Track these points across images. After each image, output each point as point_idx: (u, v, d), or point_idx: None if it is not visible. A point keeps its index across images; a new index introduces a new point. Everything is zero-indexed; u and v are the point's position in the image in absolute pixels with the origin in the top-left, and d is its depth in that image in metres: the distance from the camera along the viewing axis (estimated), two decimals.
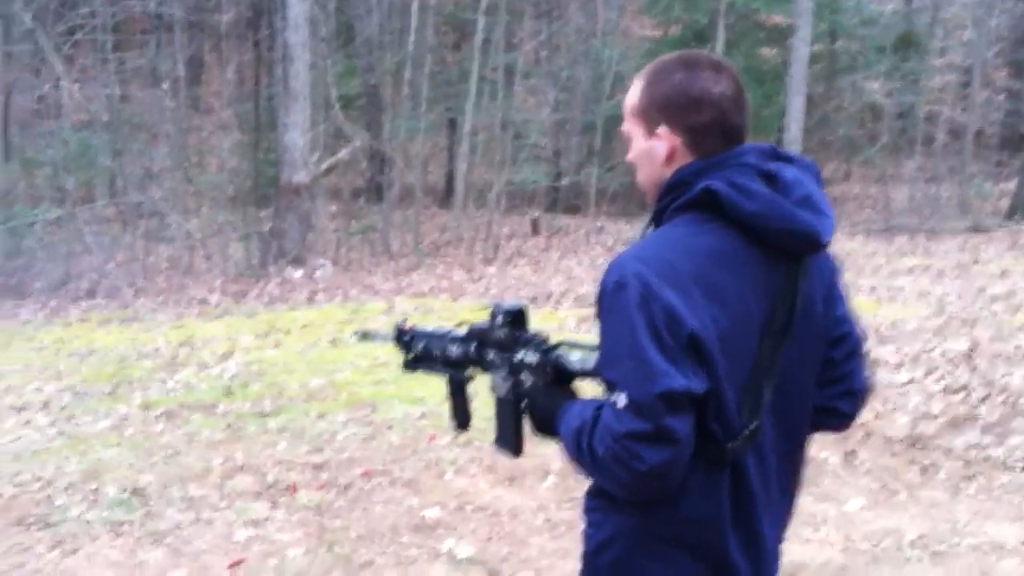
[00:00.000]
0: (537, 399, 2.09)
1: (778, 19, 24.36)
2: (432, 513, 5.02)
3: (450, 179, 24.83)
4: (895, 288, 11.67)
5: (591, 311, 10.79)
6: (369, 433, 6.31)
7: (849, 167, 27.20)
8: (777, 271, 1.88)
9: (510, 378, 2.15)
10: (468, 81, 19.05)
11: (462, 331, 2.33)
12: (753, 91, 22.76)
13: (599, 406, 1.85)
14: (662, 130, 1.94)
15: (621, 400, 1.76)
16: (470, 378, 2.35)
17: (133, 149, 18.06)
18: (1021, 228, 18.17)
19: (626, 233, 18.97)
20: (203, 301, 13.05)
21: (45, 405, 7.22)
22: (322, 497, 5.26)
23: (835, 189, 25.87)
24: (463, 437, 6.12)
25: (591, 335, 2.13)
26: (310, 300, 12.84)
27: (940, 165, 23.14)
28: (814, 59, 23.00)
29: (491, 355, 2.20)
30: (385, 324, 10.25)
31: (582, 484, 5.02)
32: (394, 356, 8.19)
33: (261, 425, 6.54)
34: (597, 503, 2.00)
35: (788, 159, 1.96)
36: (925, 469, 5.55)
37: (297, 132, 15.74)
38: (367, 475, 5.56)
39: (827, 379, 2.05)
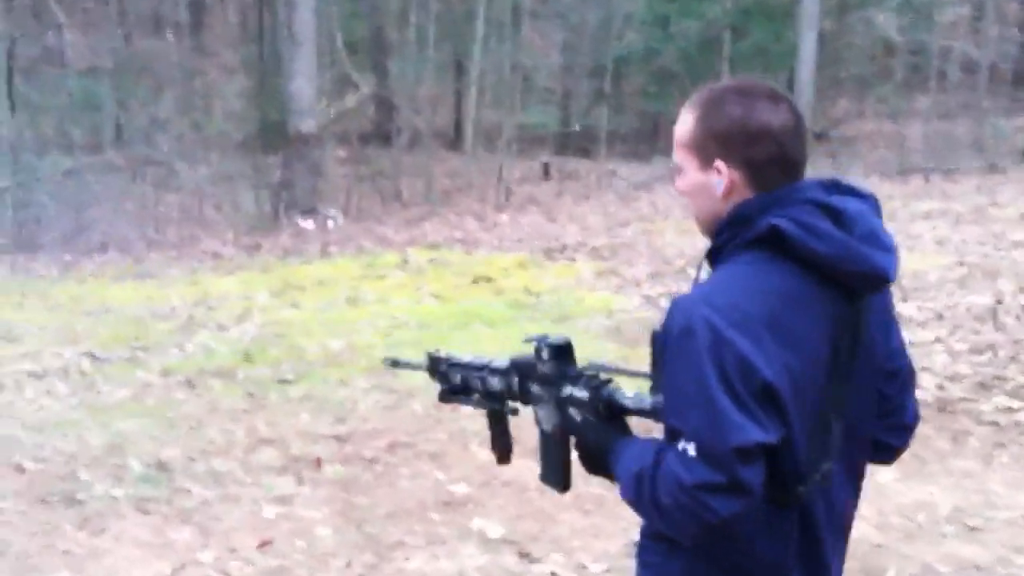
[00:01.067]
0: (588, 436, 2.01)
1: None
2: (459, 488, 4.99)
3: (458, 123, 24.65)
4: (913, 235, 11.55)
5: (609, 264, 10.74)
6: (392, 401, 6.27)
7: (862, 105, 26.88)
8: (840, 307, 1.82)
9: (557, 413, 2.08)
10: (474, 22, 18.83)
11: (503, 362, 2.24)
12: (763, 27, 22.51)
13: (659, 448, 1.79)
14: (719, 164, 1.85)
15: (691, 449, 1.69)
16: (514, 411, 2.26)
17: (138, 96, 17.90)
18: None
19: (638, 176, 18.83)
20: (216, 254, 13.00)
21: (64, 372, 7.18)
22: (347, 471, 5.23)
23: (848, 127, 25.63)
24: None
25: (638, 365, 2.06)
26: (323, 252, 12.77)
27: (953, 102, 22.88)
28: None
29: (535, 389, 2.11)
30: (407, 270, 10.21)
31: None
32: (414, 316, 8.14)
33: (282, 393, 6.50)
34: (656, 546, 1.94)
35: (850, 191, 1.89)
36: (956, 436, 5.50)
37: (303, 80, 15.56)
38: (391, 447, 5.53)
39: (880, 412, 2.00)
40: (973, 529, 4.44)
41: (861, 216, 1.81)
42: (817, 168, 20.13)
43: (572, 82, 22.05)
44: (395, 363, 2.67)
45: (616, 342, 7.67)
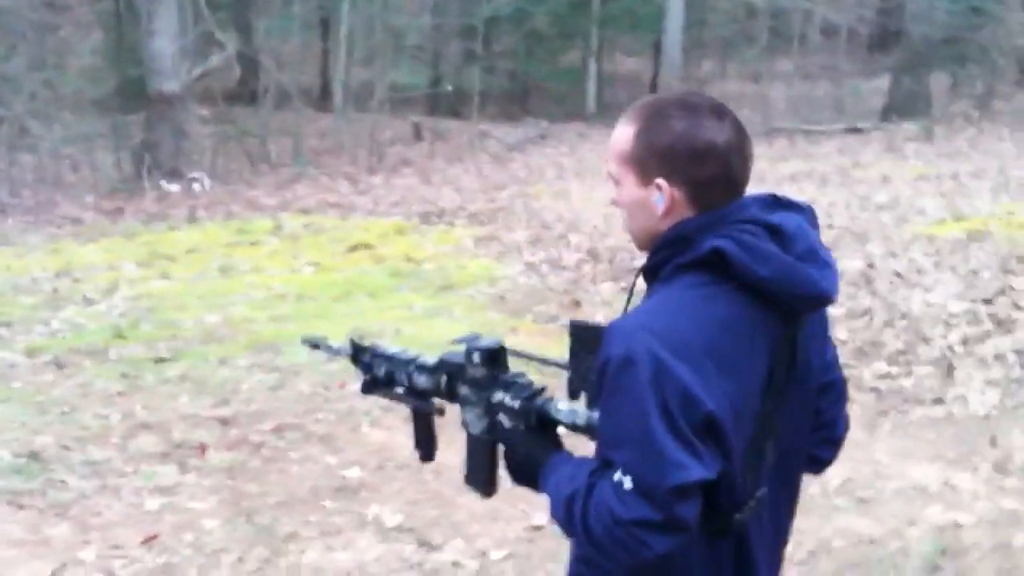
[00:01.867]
0: (518, 446, 1.94)
1: None
2: (352, 473, 4.86)
3: (325, 82, 24.13)
4: None
5: (488, 229, 10.65)
6: (276, 381, 6.07)
7: (725, 66, 27.33)
8: (779, 328, 1.76)
9: (486, 417, 2.00)
10: None
11: (431, 359, 2.15)
12: None
13: (593, 473, 1.71)
14: (661, 182, 1.76)
15: (627, 482, 1.62)
16: (440, 411, 2.17)
17: None
18: (896, 129, 18.52)
19: (510, 137, 18.75)
20: (76, 220, 12.43)
21: None
22: (234, 457, 5.04)
23: (713, 88, 25.99)
24: None
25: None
26: (190, 217, 12.34)
27: (813, 64, 23.42)
28: None
29: (464, 390, 2.03)
30: (281, 237, 9.92)
31: None
32: (292, 287, 7.91)
33: (159, 373, 6.23)
34: (586, 571, 1.90)
35: (789, 206, 1.83)
36: None
37: (165, 39, 14.95)
38: (279, 430, 5.35)
39: (813, 426, 1.97)
40: (864, 501, 4.53)
41: (800, 232, 1.76)
42: None
43: (442, 42, 21.78)
44: (314, 345, 2.55)
45: (501, 311, 7.60)
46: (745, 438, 1.72)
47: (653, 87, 23.70)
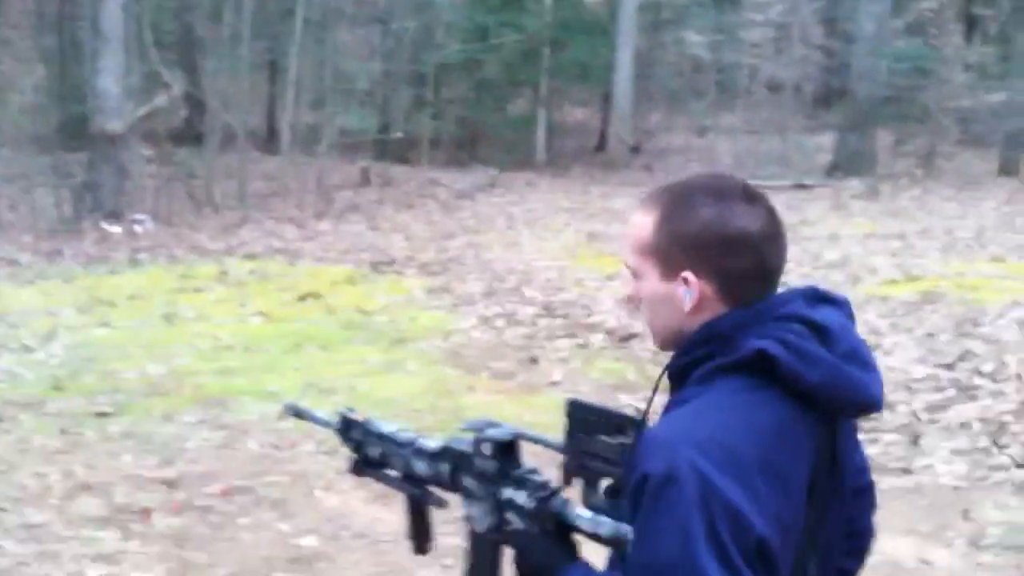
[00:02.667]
0: (530, 551, 1.75)
1: None
2: (308, 542, 4.63)
3: (272, 124, 23.91)
4: None
5: (440, 280, 10.47)
6: (223, 439, 5.82)
7: (672, 119, 27.54)
8: (821, 433, 1.62)
9: (493, 514, 1.80)
10: (289, 21, 18.22)
11: (432, 443, 1.94)
12: (581, 42, 22.78)
13: None
14: (688, 275, 1.60)
15: None
16: (440, 503, 1.97)
17: None
18: (841, 185, 18.69)
19: (459, 184, 18.63)
20: (12, 261, 12.04)
21: None
22: (180, 523, 4.79)
23: (660, 140, 26.21)
24: (328, 444, 5.72)
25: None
26: (132, 260, 12.01)
27: (759, 119, 23.65)
28: (639, 12, 23.06)
29: (469, 482, 1.83)
30: (227, 283, 9.64)
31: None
32: (240, 337, 7.67)
33: (100, 429, 5.95)
34: None
35: (828, 299, 1.68)
36: None
37: (110, 78, 14.67)
38: (227, 493, 5.10)
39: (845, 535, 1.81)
40: None
41: (843, 331, 1.61)
42: (636, 180, 20.47)
43: (392, 88, 21.66)
44: (297, 413, 2.29)
45: (456, 367, 7.42)
46: (789, 556, 1.56)
47: (602, 138, 23.79)
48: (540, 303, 9.23)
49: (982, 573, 4.43)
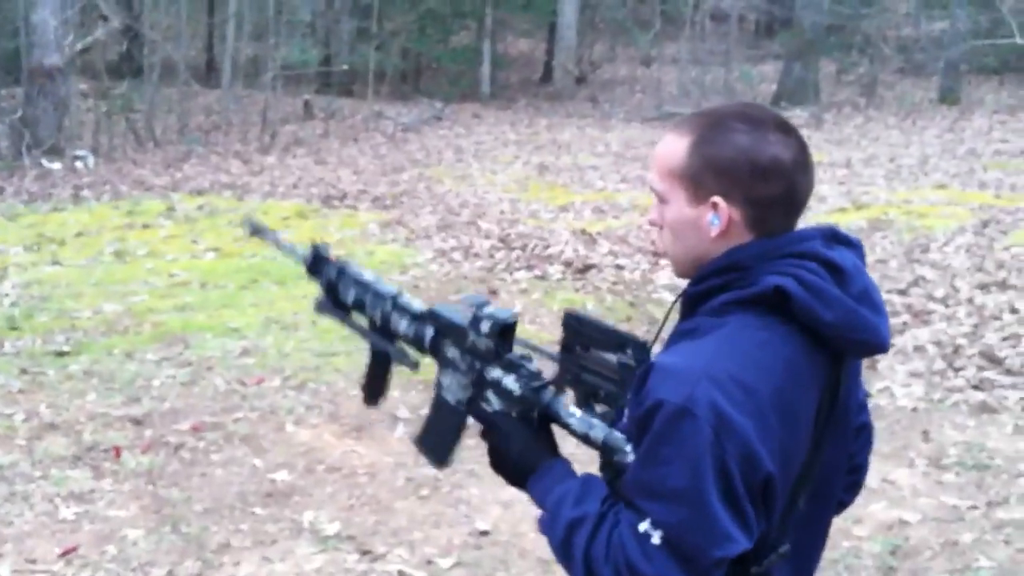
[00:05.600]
0: (509, 436, 1.73)
1: None
2: (281, 476, 4.63)
3: (211, 57, 23.47)
4: None
5: (393, 214, 10.41)
6: (188, 376, 5.77)
7: (616, 50, 27.43)
8: (827, 371, 1.64)
9: (471, 389, 1.79)
10: None
11: (417, 303, 1.90)
12: None
13: (609, 504, 1.57)
14: (717, 200, 1.60)
15: (656, 537, 1.48)
16: (414, 364, 1.92)
17: None
18: (786, 115, 18.75)
19: (405, 117, 18.47)
20: None
21: None
22: (151, 460, 4.76)
23: (605, 71, 26.12)
24: (295, 379, 5.71)
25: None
26: (75, 197, 11.77)
27: (703, 50, 23.62)
28: None
29: (452, 352, 1.81)
30: (175, 219, 9.49)
31: None
32: (195, 273, 7.57)
33: (61, 368, 5.87)
34: None
35: (844, 240, 1.69)
36: None
37: (47, 10, 14.22)
38: (197, 430, 5.08)
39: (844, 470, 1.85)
40: None
41: (857, 272, 1.63)
42: (583, 112, 20.40)
43: (334, 20, 21.30)
44: (256, 229, 2.24)
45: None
46: (786, 488, 1.59)
47: (547, 69, 23.65)
48: (496, 236, 9.21)
49: (943, 491, 4.55)
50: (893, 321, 6.68)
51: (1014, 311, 6.74)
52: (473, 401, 1.78)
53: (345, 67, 19.78)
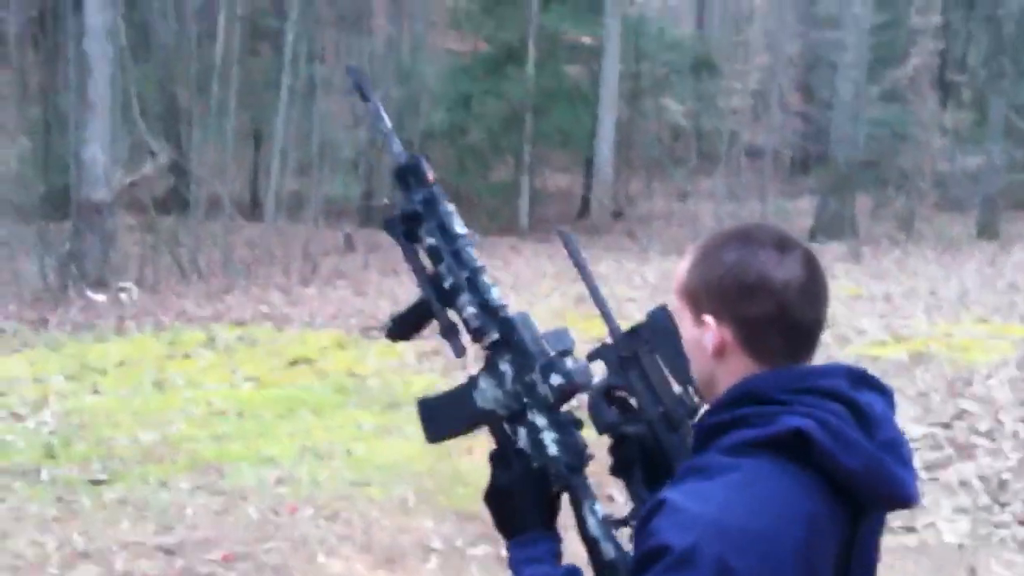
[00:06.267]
0: (520, 481, 1.66)
1: (586, 38, 24.62)
2: None
3: (255, 192, 24.01)
4: None
5: (430, 344, 10.43)
6: (221, 505, 5.75)
7: (652, 186, 27.79)
8: (847, 527, 1.52)
9: (505, 412, 1.69)
10: (274, 91, 18.41)
11: (495, 294, 1.74)
12: (564, 109, 23.03)
13: None
14: (708, 319, 1.56)
15: None
16: (459, 349, 1.76)
17: None
18: (824, 249, 18.83)
19: None
20: None
21: None
22: None
23: (641, 206, 26.41)
24: (328, 509, 5.66)
25: None
26: (119, 328, 11.94)
27: (739, 185, 23.89)
28: (620, 80, 23.38)
29: (505, 368, 1.70)
30: (215, 350, 9.58)
31: (468, 565, 4.72)
32: (232, 403, 7.56)
33: (96, 497, 5.87)
34: None
35: (875, 384, 1.59)
36: None
37: (97, 147, 14.70)
38: (228, 560, 5.04)
39: None
40: None
41: (886, 420, 1.53)
42: (620, 246, 20.57)
43: (376, 155, 21.82)
44: (358, 85, 1.93)
45: None
46: None
47: (585, 204, 23.97)
48: None
49: None
50: (936, 455, 6.57)
51: None
52: (501, 422, 1.69)
53: (386, 201, 20.13)
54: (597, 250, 19.97)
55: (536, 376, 1.65)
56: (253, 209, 22.75)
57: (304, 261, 16.76)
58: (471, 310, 1.70)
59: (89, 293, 14.09)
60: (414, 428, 6.83)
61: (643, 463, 1.66)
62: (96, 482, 6.13)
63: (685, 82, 25.60)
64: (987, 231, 20.45)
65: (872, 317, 11.79)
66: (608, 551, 1.58)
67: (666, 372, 1.68)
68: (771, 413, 1.47)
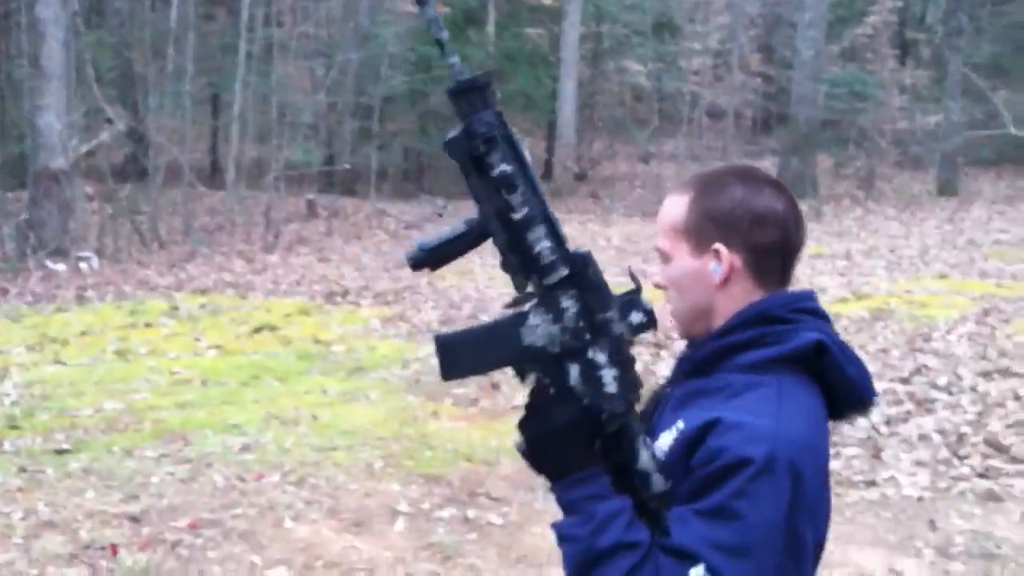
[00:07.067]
0: (571, 421, 1.60)
1: (546, 0, 24.46)
2: (279, 573, 4.58)
3: (215, 159, 23.79)
4: None
5: (395, 309, 10.43)
6: (187, 473, 5.73)
7: (615, 147, 27.77)
8: None
9: (557, 348, 1.60)
10: (232, 56, 18.19)
11: (559, 226, 1.62)
12: (525, 73, 22.91)
13: (649, 541, 1.55)
14: (719, 247, 1.65)
15: None
16: (520, 285, 1.62)
17: None
18: None
19: (407, 215, 18.64)
20: None
21: None
22: (148, 558, 4.70)
23: (604, 168, 26.40)
24: (295, 475, 5.66)
25: None
26: (79, 298, 11.82)
27: (701, 145, 23.94)
28: (580, 42, 23.29)
29: (568, 305, 1.59)
30: (178, 318, 9.51)
31: (435, 527, 4.72)
32: (196, 371, 7.51)
33: (61, 466, 5.83)
34: None
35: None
36: None
37: (52, 115, 14.47)
38: (195, 527, 5.02)
39: None
40: None
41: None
42: (584, 208, 20.56)
43: (337, 120, 21.64)
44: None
45: (417, 395, 7.39)
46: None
47: (547, 166, 23.92)
48: None
49: None
50: (896, 410, 6.66)
51: (1018, 398, 6.72)
52: (551, 359, 1.61)
53: (348, 167, 20.02)
54: (560, 213, 19.78)
55: (613, 314, 1.61)
56: (213, 176, 22.54)
57: (266, 228, 16.66)
58: (546, 244, 1.58)
59: (48, 263, 13.93)
60: (379, 393, 6.87)
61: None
62: (60, 452, 6.09)
63: (646, 43, 25.49)
64: (946, 188, 20.64)
65: (833, 275, 11.90)
66: (659, 483, 1.60)
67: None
68: (787, 331, 1.62)
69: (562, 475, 1.61)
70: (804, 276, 11.81)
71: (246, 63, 17.93)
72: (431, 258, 1.64)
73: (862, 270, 12.31)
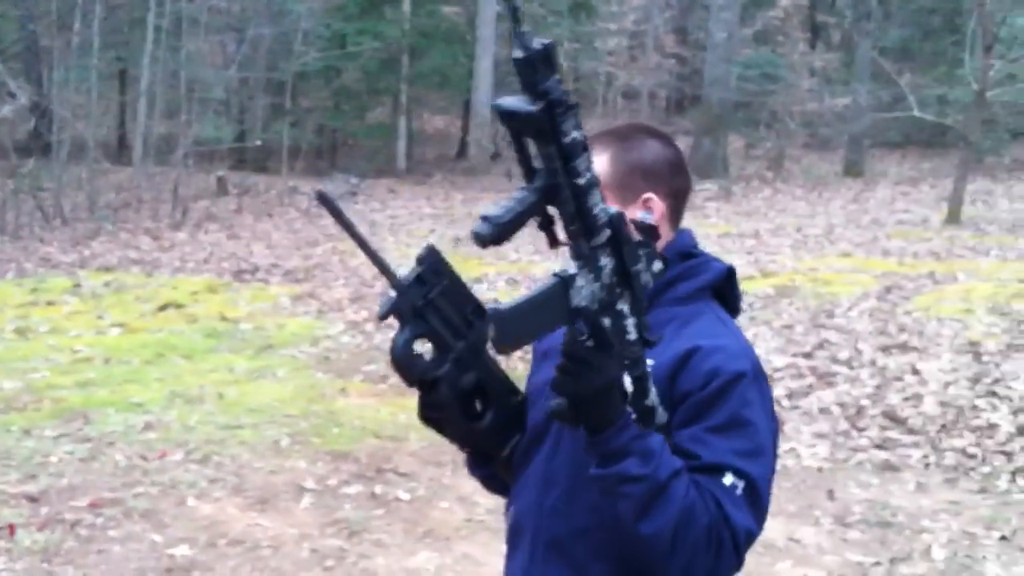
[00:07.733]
0: (616, 372, 1.61)
1: None
2: (182, 551, 4.51)
3: (122, 134, 23.29)
4: None
5: (305, 287, 10.34)
6: (88, 452, 5.62)
7: None
8: None
9: (596, 305, 1.60)
10: (140, 29, 17.80)
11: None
12: (441, 51, 22.79)
13: (688, 464, 1.68)
14: (649, 196, 1.81)
15: (740, 488, 1.66)
16: (548, 224, 1.60)
17: None
18: (696, 189, 19.15)
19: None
20: None
21: None
22: (47, 538, 4.60)
23: None
24: (199, 453, 5.59)
25: None
26: None
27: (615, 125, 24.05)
28: (497, 20, 23.22)
29: (605, 262, 1.60)
30: (81, 296, 9.31)
31: (341, 504, 4.70)
32: (99, 349, 7.36)
33: None
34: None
35: None
36: None
37: None
38: (95, 506, 4.94)
39: None
40: None
41: None
42: (499, 187, 20.59)
43: (249, 96, 21.30)
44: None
45: (326, 372, 7.34)
46: None
47: (463, 145, 23.87)
48: None
49: (848, 548, 4.60)
50: (798, 384, 6.79)
51: (915, 372, 6.89)
52: (592, 315, 1.61)
53: (259, 143, 19.72)
54: (475, 191, 19.94)
55: (642, 265, 1.63)
56: (121, 152, 22.07)
57: (174, 205, 16.36)
58: (603, 207, 1.58)
59: None
60: (287, 371, 6.80)
61: (457, 399, 1.74)
62: None
63: (563, 23, 25.53)
64: (853, 169, 21.03)
65: (741, 254, 12.05)
66: (661, 415, 1.70)
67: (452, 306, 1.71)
68: (701, 263, 1.84)
69: (609, 423, 1.63)
70: (713, 254, 11.94)
71: (155, 37, 17.57)
72: (504, 233, 1.60)
73: (769, 248, 12.49)
